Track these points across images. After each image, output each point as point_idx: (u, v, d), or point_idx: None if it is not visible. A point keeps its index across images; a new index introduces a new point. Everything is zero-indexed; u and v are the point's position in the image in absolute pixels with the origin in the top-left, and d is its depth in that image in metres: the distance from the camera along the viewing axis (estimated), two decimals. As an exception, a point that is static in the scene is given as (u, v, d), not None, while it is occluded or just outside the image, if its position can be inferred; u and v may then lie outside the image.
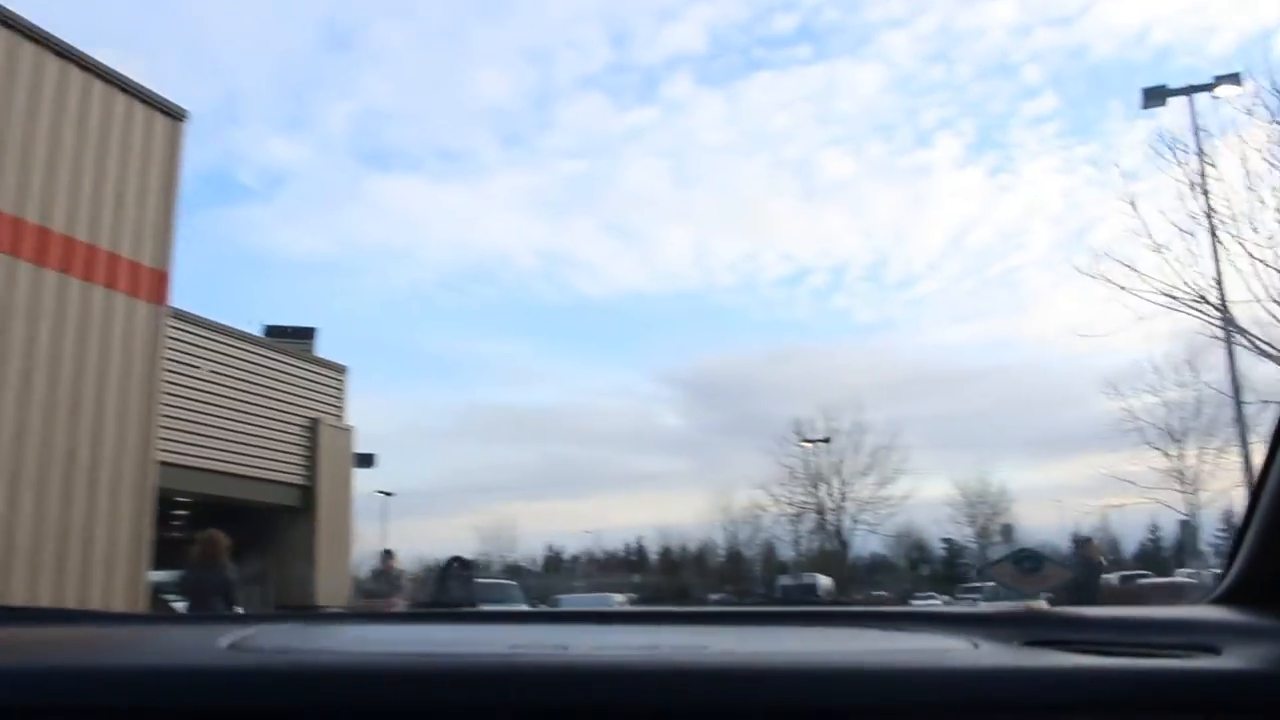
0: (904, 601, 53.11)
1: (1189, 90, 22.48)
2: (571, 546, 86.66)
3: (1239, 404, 19.99)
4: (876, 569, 70.69)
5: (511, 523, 73.77)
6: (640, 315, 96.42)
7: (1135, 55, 75.45)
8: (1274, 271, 16.50)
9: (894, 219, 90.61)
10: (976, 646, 1.40)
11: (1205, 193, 19.98)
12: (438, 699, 1.19)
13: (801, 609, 2.00)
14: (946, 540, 65.74)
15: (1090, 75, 79.51)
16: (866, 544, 62.59)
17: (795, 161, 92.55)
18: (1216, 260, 19.15)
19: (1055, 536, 72.37)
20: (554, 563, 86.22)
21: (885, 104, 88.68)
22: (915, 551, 70.13)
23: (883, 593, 54.17)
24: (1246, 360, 16.62)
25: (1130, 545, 75.61)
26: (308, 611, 3.63)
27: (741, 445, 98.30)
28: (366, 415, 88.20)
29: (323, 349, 27.36)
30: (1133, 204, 19.22)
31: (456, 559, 14.35)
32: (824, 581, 47.88)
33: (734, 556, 62.22)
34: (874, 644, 1.52)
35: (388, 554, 15.41)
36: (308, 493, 23.32)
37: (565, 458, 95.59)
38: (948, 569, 67.21)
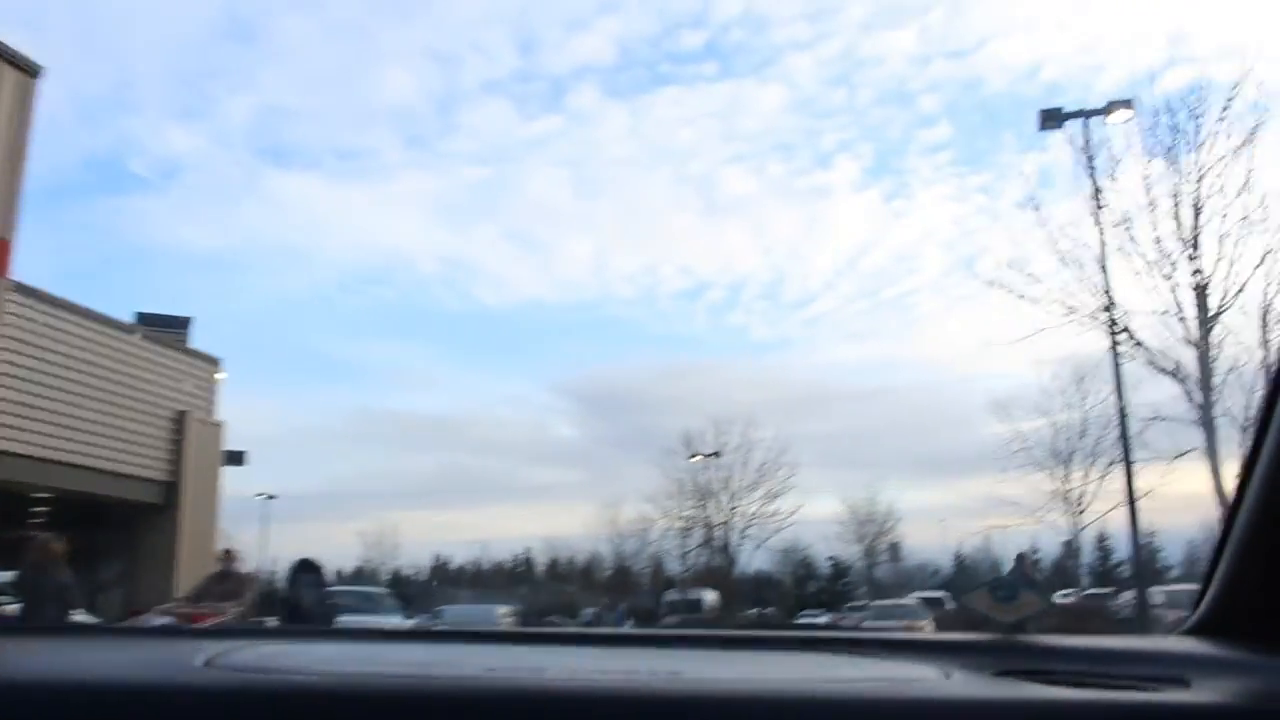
0: (790, 618, 53.13)
1: (1084, 114, 22.62)
2: (460, 556, 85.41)
3: (1124, 423, 20.01)
4: (763, 585, 71.13)
5: (395, 530, 71.50)
6: (538, 324, 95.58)
7: (1027, 90, 78.12)
8: (1168, 286, 16.36)
9: (792, 238, 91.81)
10: (948, 676, 1.39)
11: (1098, 210, 20.07)
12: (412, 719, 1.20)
13: (780, 634, 1.99)
14: (833, 558, 65.99)
15: (984, 107, 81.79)
16: (754, 560, 62.99)
17: (697, 177, 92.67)
18: (1106, 277, 19.22)
19: (939, 556, 75.40)
20: (441, 572, 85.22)
21: (787, 124, 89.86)
22: (802, 568, 70.59)
23: (769, 609, 54.01)
24: (1142, 375, 16.45)
25: (1010, 566, 76.94)
26: (282, 628, 4.33)
27: (633, 458, 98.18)
28: (255, 415, 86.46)
29: (213, 347, 26.01)
30: (1036, 209, 18.85)
31: (303, 562, 13.13)
32: (710, 597, 47.50)
33: (622, 570, 61.55)
34: (847, 671, 1.51)
35: (228, 554, 14.09)
36: (171, 489, 22.10)
37: (458, 466, 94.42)
38: (834, 586, 68.00)
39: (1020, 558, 18.62)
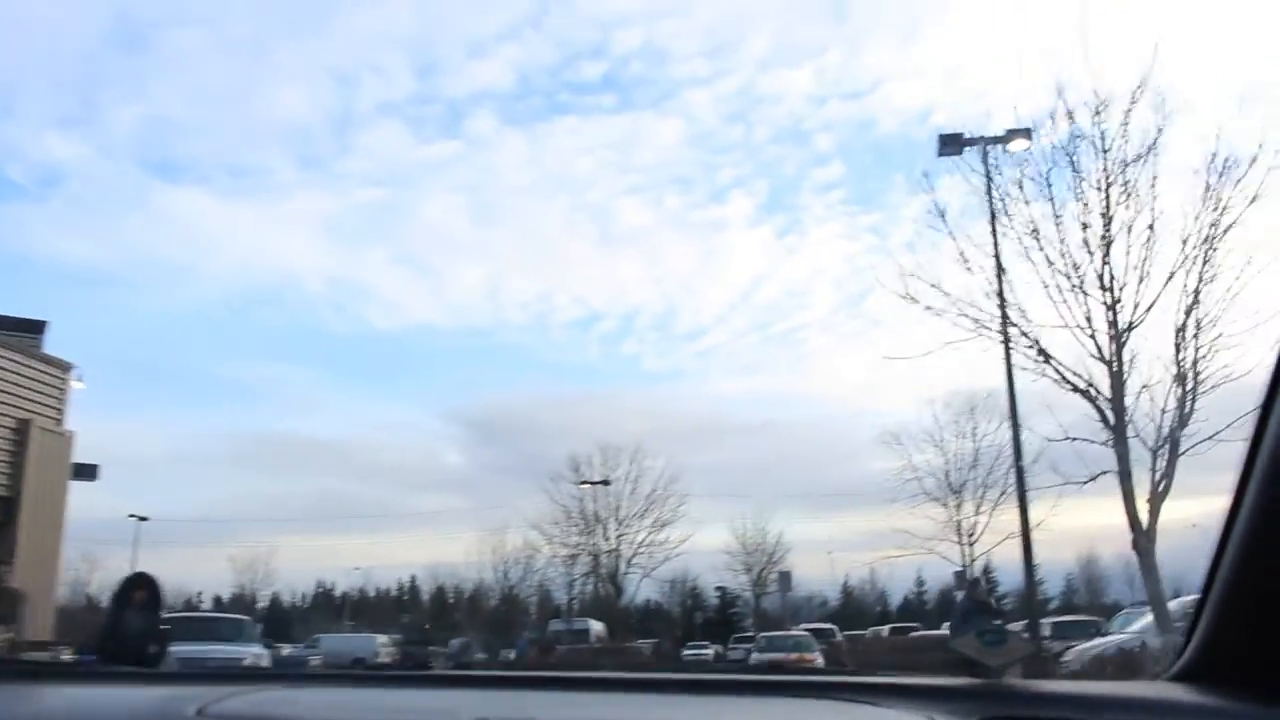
0: (677, 649, 52.01)
1: (983, 141, 22.18)
2: (344, 583, 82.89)
3: (1018, 447, 19.38)
4: (651, 615, 70.07)
5: (271, 556, 68.31)
6: (429, 350, 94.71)
7: (918, 133, 79.34)
8: (1076, 300, 15.59)
9: (685, 271, 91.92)
10: None
11: (994, 233, 19.67)
12: None
13: (764, 678, 2.04)
14: (721, 588, 65.18)
15: (876, 148, 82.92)
16: (642, 589, 61.88)
17: (593, 207, 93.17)
18: (1003, 304, 18.71)
19: (826, 588, 75.33)
20: (324, 599, 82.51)
21: (684, 158, 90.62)
22: (690, 599, 69.70)
23: (654, 640, 52.84)
24: (1052, 395, 15.62)
25: (896, 598, 77.52)
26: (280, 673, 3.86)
27: (522, 486, 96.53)
28: (130, 434, 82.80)
29: (83, 361, 23.82)
30: (942, 214, 17.99)
31: (133, 579, 10.87)
32: (596, 626, 46.14)
33: (508, 598, 59.83)
34: (834, 718, 1.52)
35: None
36: (9, 504, 20.20)
37: (343, 491, 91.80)
38: (721, 617, 67.19)
39: (974, 583, 17.76)
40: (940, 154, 23.47)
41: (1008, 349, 16.81)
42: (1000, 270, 16.81)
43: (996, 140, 22.02)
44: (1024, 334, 15.97)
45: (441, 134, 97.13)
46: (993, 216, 19.25)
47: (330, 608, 78.95)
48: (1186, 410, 14.19)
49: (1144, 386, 14.51)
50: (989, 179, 20.62)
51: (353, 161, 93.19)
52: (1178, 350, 14.36)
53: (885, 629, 47.88)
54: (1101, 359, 14.83)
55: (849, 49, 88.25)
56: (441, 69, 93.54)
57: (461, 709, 1.51)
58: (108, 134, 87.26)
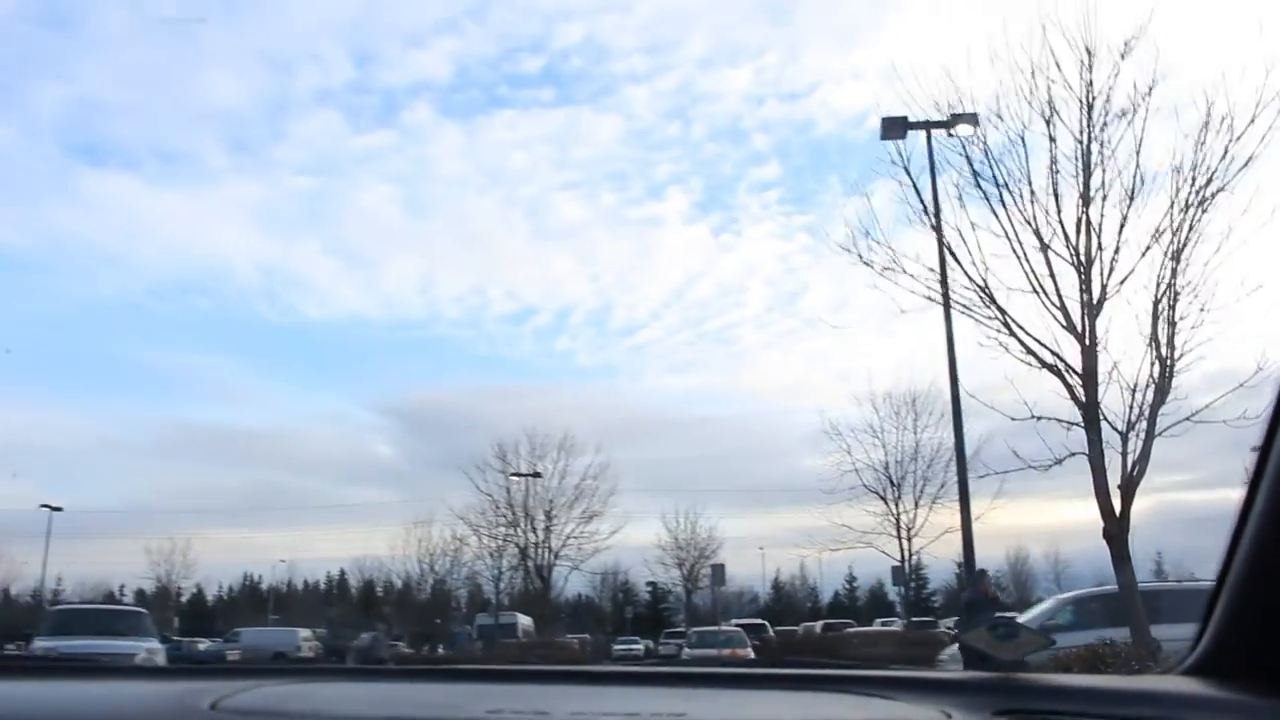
0: (607, 645, 50.87)
1: (927, 125, 21.40)
2: (271, 576, 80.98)
3: (960, 433, 18.60)
4: (581, 610, 69.07)
5: (192, 548, 65.57)
6: (361, 341, 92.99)
7: (854, 135, 79.51)
8: (1044, 264, 14.34)
9: (620, 267, 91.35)
10: (949, 716, 1.38)
11: (937, 220, 18.83)
12: None
13: (782, 672, 1.89)
14: (652, 584, 64.20)
15: (813, 149, 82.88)
16: (572, 584, 60.71)
17: (529, 201, 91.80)
18: (947, 303, 17.88)
19: (757, 584, 74.77)
20: (251, 592, 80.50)
21: (621, 154, 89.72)
22: (621, 594, 68.70)
23: (583, 635, 51.73)
24: (1017, 371, 14.27)
25: (827, 594, 77.29)
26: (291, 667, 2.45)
27: (453, 480, 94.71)
28: (49, 423, 79.97)
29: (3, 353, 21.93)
30: (913, 186, 16.87)
31: None
32: (524, 621, 44.96)
33: (437, 592, 58.26)
34: (850, 712, 1.50)
35: None
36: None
37: (271, 483, 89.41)
38: (652, 612, 66.26)
39: (980, 575, 16.72)
40: (884, 138, 22.77)
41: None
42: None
43: (941, 124, 21.10)
44: (985, 296, 14.66)
45: (377, 124, 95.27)
46: (935, 203, 18.42)
47: (257, 601, 76.79)
48: (1164, 388, 13.07)
49: (1115, 365, 13.34)
50: (933, 166, 19.80)
51: (286, 150, 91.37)
52: (1155, 323, 13.22)
53: (818, 625, 47.21)
54: (1072, 330, 13.64)
55: (788, 50, 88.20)
56: (379, 58, 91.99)
57: (474, 702, 1.52)
58: (29, 115, 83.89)
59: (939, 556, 33.72)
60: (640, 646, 50.71)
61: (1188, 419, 13.06)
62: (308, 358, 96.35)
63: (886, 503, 31.45)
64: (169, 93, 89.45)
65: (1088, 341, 13.38)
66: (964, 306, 15.20)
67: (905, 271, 15.59)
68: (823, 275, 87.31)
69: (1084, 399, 13.28)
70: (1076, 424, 13.37)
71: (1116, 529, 13.22)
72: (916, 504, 31.56)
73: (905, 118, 21.84)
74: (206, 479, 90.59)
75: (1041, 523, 71.11)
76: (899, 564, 31.27)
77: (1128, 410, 13.13)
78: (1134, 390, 13.09)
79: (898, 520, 31.28)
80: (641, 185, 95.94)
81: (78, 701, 1.53)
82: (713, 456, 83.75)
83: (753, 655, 24.74)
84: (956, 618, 43.36)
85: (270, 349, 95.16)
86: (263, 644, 40.46)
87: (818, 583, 77.75)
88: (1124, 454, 13.00)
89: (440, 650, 45.80)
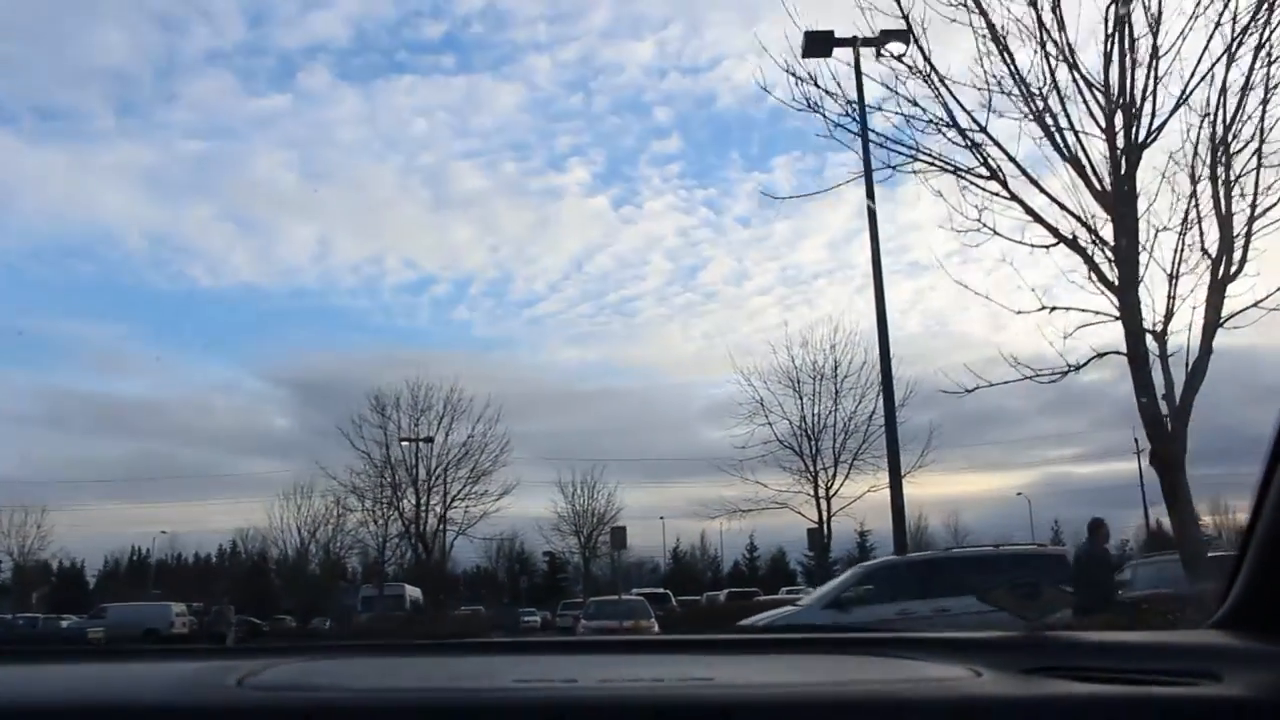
0: (513, 616, 47.83)
1: (854, 42, 18.85)
2: (158, 549, 77.22)
3: (887, 362, 16.14)
4: (477, 581, 66.62)
5: (42, 518, 59.77)
6: (254, 310, 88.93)
7: (755, 111, 78.93)
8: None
9: (520, 238, 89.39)
10: (979, 675, 1.36)
11: (866, 146, 16.34)
12: None
13: (806, 635, 1.96)
14: (549, 553, 61.33)
15: (714, 124, 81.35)
16: (468, 556, 58.00)
17: (428, 169, 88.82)
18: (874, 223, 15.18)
19: (657, 554, 72.83)
20: (139, 566, 76.07)
21: (522, 124, 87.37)
22: (518, 564, 66.32)
23: (478, 607, 48.79)
24: (1019, 254, 11.06)
25: (728, 564, 75.90)
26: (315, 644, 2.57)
27: (349, 451, 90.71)
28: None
29: None
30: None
31: None
32: (412, 592, 41.55)
33: (327, 564, 54.66)
34: (877, 673, 1.48)
35: None
36: None
37: (159, 454, 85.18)
38: (550, 582, 63.97)
39: (1097, 524, 14.06)
40: (805, 55, 20.35)
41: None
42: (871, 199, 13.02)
43: (871, 42, 18.36)
44: (970, 144, 11.23)
45: (272, 87, 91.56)
46: (864, 127, 15.72)
47: (143, 575, 72.32)
48: (1227, 259, 9.75)
49: (1156, 232, 10.04)
50: (860, 84, 17.09)
51: (176, 111, 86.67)
52: (1215, 167, 9.87)
53: (722, 594, 44.77)
54: (1096, 189, 10.26)
55: (691, 24, 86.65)
56: (274, 18, 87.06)
57: (501, 673, 1.50)
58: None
59: (841, 522, 30.70)
60: (537, 618, 48.09)
61: (1257, 304, 9.97)
62: (198, 326, 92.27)
63: (803, 459, 28.63)
64: (50, 47, 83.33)
65: (1125, 190, 10.01)
66: (935, 161, 11.66)
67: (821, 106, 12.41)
68: (723, 249, 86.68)
69: (1117, 280, 9.96)
70: (1107, 315, 10.18)
71: (1172, 451, 9.95)
72: (837, 461, 28.75)
73: (831, 32, 19.19)
74: (88, 450, 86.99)
75: (945, 494, 70.45)
76: (815, 526, 28.34)
77: (1171, 293, 10.00)
78: (1175, 274, 10.01)
79: (815, 479, 28.49)
80: (542, 156, 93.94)
81: (102, 682, 1.50)
82: (612, 429, 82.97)
83: (656, 628, 21.91)
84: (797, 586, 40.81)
85: (158, 317, 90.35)
86: (131, 620, 37.08)
87: (719, 553, 76.60)
88: (1163, 355, 9.90)
89: (328, 625, 43.03)
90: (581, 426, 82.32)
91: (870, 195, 16.65)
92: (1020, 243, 10.68)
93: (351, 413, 40.43)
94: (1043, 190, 10.87)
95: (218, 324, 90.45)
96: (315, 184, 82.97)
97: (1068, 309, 10.39)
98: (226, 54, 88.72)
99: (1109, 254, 10.11)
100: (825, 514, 28.61)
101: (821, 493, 28.62)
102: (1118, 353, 10.03)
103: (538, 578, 65.03)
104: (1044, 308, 10.43)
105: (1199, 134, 10.21)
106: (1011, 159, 10.99)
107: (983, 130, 11.17)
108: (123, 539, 79.03)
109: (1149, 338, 10.07)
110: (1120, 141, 10.31)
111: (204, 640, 30.68)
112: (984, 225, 10.84)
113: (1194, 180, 10.17)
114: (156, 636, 34.53)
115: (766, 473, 28.95)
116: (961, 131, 11.38)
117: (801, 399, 29.56)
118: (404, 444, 39.94)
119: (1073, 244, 10.42)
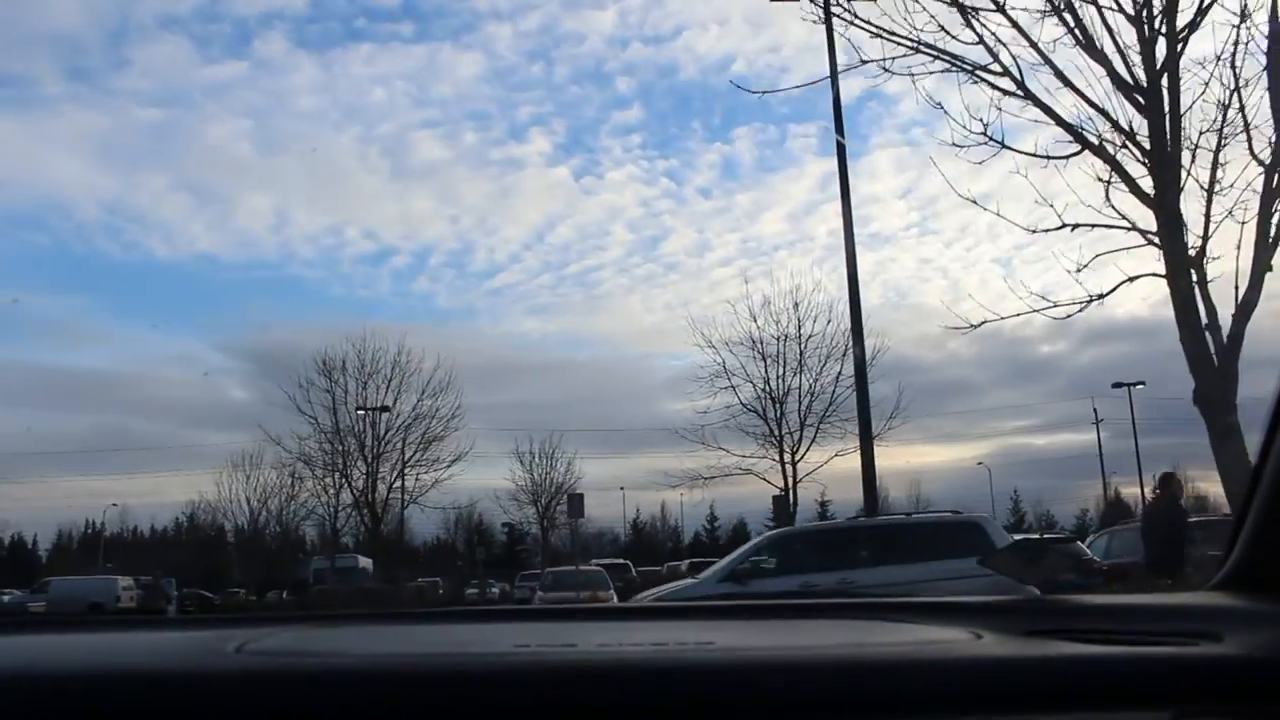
0: (461, 588, 46.65)
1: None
2: (113, 523, 75.89)
3: (857, 313, 15.01)
4: (436, 552, 65.51)
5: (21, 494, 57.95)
6: (211, 281, 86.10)
7: (716, 82, 78.04)
8: None
9: (481, 208, 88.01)
10: (979, 637, 1.36)
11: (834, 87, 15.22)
12: (450, 699, 1.15)
13: (809, 602, 1.92)
14: (508, 524, 60.02)
15: (676, 94, 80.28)
16: (426, 528, 57.12)
17: (387, 139, 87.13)
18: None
19: (619, 525, 72.08)
20: (93, 540, 74.05)
21: (482, 94, 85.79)
22: (477, 535, 65.10)
23: (434, 579, 47.35)
24: (1029, 166, 9.78)
25: (688, 535, 75.31)
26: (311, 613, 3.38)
27: (301, 419, 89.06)
28: None
29: None
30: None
31: None
32: (365, 563, 40.21)
33: (283, 536, 53.12)
34: (878, 636, 1.47)
35: None
36: None
37: (115, 428, 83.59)
38: (509, 554, 62.90)
39: (1167, 478, 12.68)
40: (774, -1, 19.61)
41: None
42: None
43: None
44: (979, 39, 9.73)
45: (228, 54, 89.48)
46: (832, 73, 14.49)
47: (96, 550, 70.53)
48: None
49: (1198, 137, 8.66)
50: (830, 18, 15.79)
51: (130, 79, 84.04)
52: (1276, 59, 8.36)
53: (684, 564, 43.71)
54: (1128, 83, 8.73)
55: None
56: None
57: (500, 638, 1.48)
58: None
59: (808, 490, 29.55)
60: (495, 590, 46.87)
61: None
62: (154, 298, 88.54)
63: (768, 423, 27.45)
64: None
65: (1170, 77, 8.55)
66: (940, 55, 10.02)
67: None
68: (685, 220, 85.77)
69: (1154, 188, 8.53)
70: (1146, 233, 8.74)
71: (1218, 389, 8.64)
72: (803, 425, 27.54)
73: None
74: (40, 423, 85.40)
75: (902, 464, 69.90)
76: (781, 493, 27.07)
77: (1207, 210, 8.67)
78: (1211, 187, 8.70)
79: (780, 443, 27.34)
80: (503, 126, 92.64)
81: (100, 650, 1.47)
82: (573, 400, 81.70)
83: (615, 599, 20.76)
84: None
85: (115, 289, 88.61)
86: (74, 594, 35.83)
87: (679, 523, 76.03)
88: (1202, 281, 8.55)
89: (284, 596, 41.73)
90: (542, 398, 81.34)
91: (837, 106, 15.20)
92: (1034, 155, 9.31)
93: (299, 376, 38.42)
94: (1069, 83, 9.38)
95: (175, 295, 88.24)
96: (273, 153, 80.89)
97: (1092, 226, 9.03)
98: (181, 19, 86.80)
99: (1145, 159, 8.69)
100: (791, 480, 27.40)
101: (787, 458, 27.39)
102: (1156, 274, 8.75)
103: (497, 549, 63.80)
104: (1064, 225, 9.07)
105: (1250, 21, 8.88)
106: (1033, 43, 9.53)
107: (1000, 8, 9.61)
108: (76, 513, 77.53)
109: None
110: (1160, 27, 8.86)
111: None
112: (990, 138, 9.46)
113: (1237, 77, 8.93)
114: (102, 611, 33.29)
115: (730, 440, 27.86)
116: (968, 14, 9.82)
117: (765, 360, 28.39)
118: (359, 412, 38.12)
119: (1099, 150, 9.01)
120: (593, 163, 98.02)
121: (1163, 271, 8.53)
